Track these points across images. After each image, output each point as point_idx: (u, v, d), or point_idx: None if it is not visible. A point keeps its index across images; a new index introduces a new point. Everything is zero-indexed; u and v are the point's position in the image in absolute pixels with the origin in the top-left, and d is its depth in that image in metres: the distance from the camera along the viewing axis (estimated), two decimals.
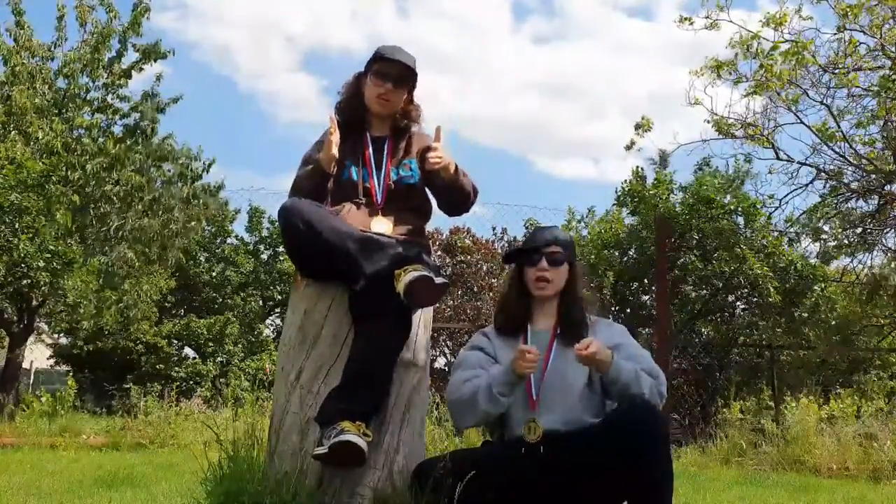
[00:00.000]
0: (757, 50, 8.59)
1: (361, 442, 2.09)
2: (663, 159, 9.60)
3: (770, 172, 9.20)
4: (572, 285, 2.40)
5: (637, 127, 9.38)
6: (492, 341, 2.41)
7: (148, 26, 13.28)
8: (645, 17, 60.59)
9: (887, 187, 8.73)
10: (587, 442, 2.10)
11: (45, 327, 17.28)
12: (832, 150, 8.85)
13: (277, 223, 2.66)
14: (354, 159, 2.54)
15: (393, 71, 2.54)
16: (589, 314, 2.40)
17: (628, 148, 9.51)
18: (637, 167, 10.04)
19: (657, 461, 2.02)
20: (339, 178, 2.53)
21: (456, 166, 2.48)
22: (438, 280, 2.23)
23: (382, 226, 2.44)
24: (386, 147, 2.58)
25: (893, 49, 8.24)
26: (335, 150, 2.41)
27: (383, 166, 2.55)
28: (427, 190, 2.65)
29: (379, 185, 2.52)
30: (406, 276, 2.19)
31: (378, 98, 2.55)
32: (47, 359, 19.09)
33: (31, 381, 19.06)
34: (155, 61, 12.10)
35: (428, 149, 2.41)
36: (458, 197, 2.56)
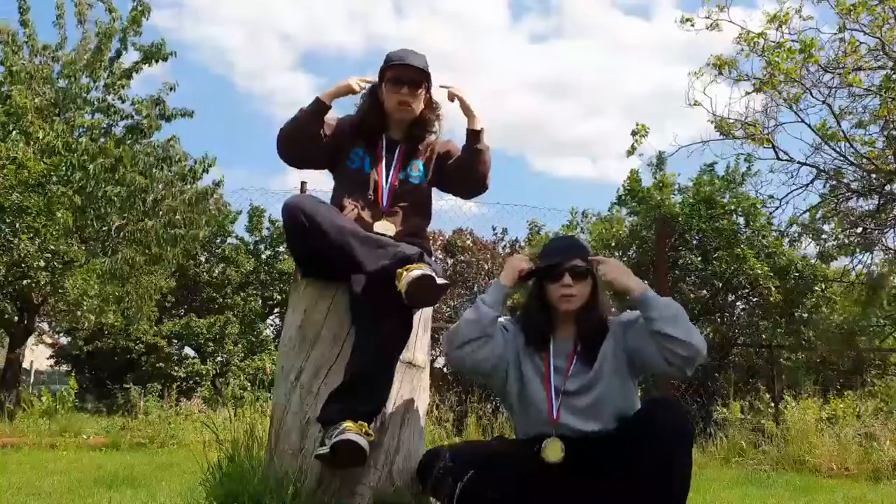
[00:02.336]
0: (763, 47, 8.61)
1: (363, 441, 2.10)
2: (660, 163, 9.64)
3: (771, 171, 9.24)
4: (594, 295, 2.30)
5: (633, 133, 9.42)
6: (515, 337, 2.32)
7: (147, 27, 13.23)
8: (643, 16, 60.63)
9: (887, 187, 8.73)
10: (609, 442, 2.07)
11: (46, 327, 17.27)
12: (833, 149, 8.87)
13: (279, 222, 2.67)
14: (371, 157, 2.56)
15: (406, 75, 2.55)
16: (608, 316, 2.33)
17: (629, 154, 9.56)
18: (639, 168, 10.08)
19: (682, 462, 1.97)
20: (347, 167, 2.56)
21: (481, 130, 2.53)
22: (440, 280, 2.22)
23: (385, 228, 2.44)
24: (398, 151, 2.59)
25: (894, 49, 8.25)
26: (355, 85, 2.52)
27: (392, 169, 2.56)
28: (433, 189, 2.66)
29: (386, 187, 2.53)
30: (407, 275, 2.19)
31: (399, 105, 2.56)
32: (47, 359, 19.07)
33: (31, 381, 19.06)
34: (156, 62, 12.08)
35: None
36: (478, 168, 2.56)
